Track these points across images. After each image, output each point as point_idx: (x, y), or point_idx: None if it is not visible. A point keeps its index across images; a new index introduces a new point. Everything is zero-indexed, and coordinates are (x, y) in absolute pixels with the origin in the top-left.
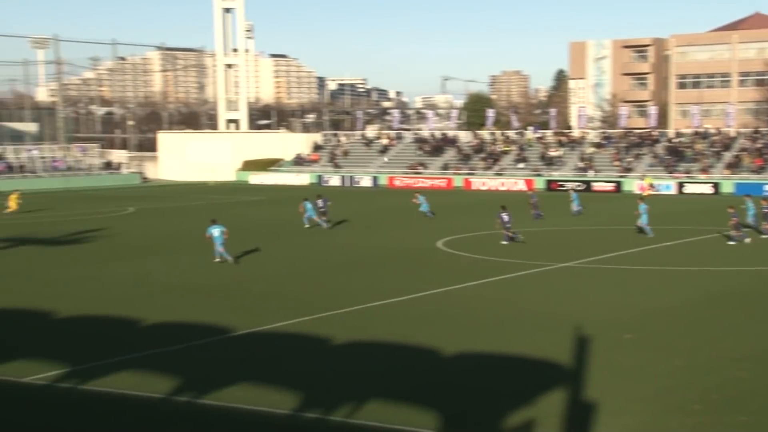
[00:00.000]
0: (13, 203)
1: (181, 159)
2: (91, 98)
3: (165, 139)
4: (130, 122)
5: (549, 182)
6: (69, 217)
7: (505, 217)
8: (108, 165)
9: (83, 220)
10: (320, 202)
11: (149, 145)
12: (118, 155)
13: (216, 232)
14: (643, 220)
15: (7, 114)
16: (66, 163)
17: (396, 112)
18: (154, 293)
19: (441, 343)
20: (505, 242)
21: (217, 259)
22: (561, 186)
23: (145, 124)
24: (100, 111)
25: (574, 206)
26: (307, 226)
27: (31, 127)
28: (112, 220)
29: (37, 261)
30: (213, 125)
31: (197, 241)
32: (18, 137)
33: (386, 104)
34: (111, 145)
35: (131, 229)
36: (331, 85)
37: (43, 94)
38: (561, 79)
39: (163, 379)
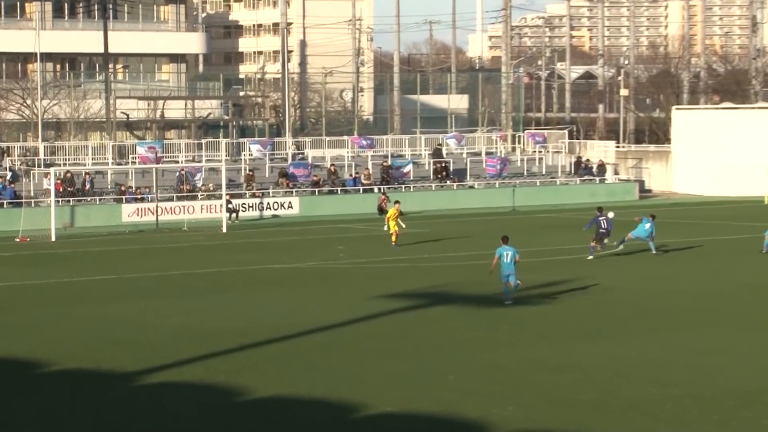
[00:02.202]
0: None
1: (712, 156)
2: (556, 51)
3: (684, 119)
4: (623, 92)
5: None
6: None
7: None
8: (583, 167)
9: (547, 262)
10: (602, 221)
11: (655, 132)
12: (599, 149)
13: (506, 255)
14: None
15: (422, 81)
16: (510, 163)
17: None
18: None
19: None
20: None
21: (509, 302)
22: None
23: (649, 93)
24: (573, 72)
25: None
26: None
27: (457, 101)
28: (573, 266)
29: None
30: None
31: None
32: (436, 120)
33: None
34: (589, 130)
35: (618, 283)
36: None
37: (477, 47)
38: None
39: None
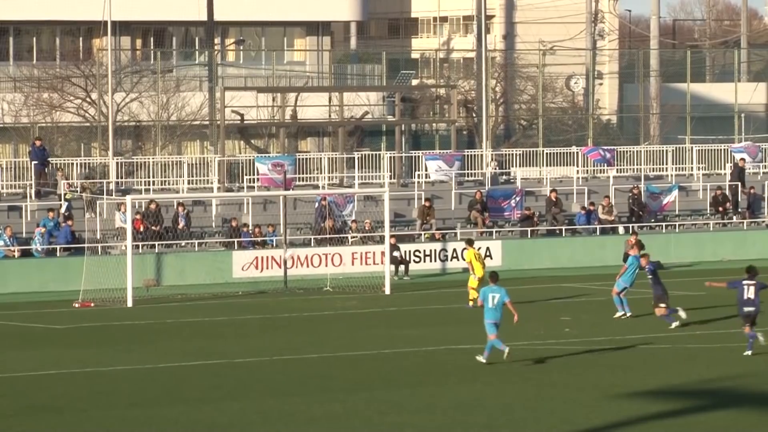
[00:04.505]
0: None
1: None
2: None
3: None
4: None
5: None
6: None
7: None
8: None
9: None
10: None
11: None
12: None
13: (492, 298)
14: None
15: (695, 62)
16: None
17: None
18: None
19: None
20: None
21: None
22: None
23: None
24: None
25: None
26: (620, 313)
27: (749, 93)
28: None
29: None
30: None
31: None
32: (717, 121)
33: None
34: None
35: None
36: None
37: None
38: None
39: None
